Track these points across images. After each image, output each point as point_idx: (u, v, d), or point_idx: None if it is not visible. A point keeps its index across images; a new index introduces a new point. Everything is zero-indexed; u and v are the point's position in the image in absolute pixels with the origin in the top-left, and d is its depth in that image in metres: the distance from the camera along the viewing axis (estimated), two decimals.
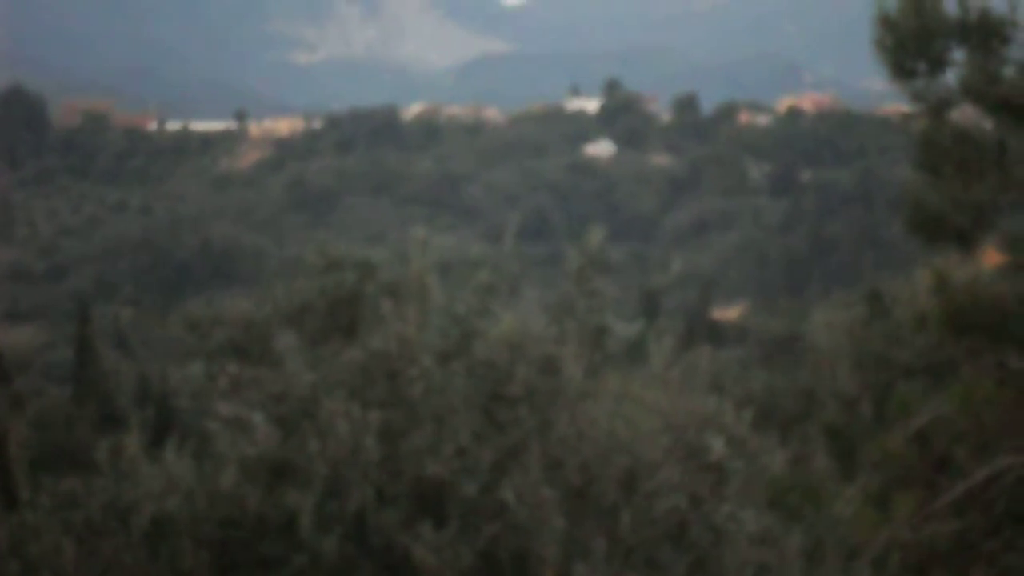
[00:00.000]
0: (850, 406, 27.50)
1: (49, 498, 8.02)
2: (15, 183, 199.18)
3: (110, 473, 8.12)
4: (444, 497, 8.02)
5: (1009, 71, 13.04)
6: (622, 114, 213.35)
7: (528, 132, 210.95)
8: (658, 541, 8.30)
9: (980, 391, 14.03)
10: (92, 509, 8.02)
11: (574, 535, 8.10)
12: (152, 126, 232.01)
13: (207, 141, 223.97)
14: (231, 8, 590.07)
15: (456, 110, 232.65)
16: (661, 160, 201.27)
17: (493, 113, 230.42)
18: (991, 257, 14.55)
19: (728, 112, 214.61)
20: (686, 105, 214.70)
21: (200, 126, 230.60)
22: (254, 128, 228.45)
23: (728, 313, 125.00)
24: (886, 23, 13.00)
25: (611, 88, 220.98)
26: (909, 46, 12.94)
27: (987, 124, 13.36)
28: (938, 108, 13.16)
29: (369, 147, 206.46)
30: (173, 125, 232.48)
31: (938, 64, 13.06)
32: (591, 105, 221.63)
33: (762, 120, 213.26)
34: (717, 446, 8.66)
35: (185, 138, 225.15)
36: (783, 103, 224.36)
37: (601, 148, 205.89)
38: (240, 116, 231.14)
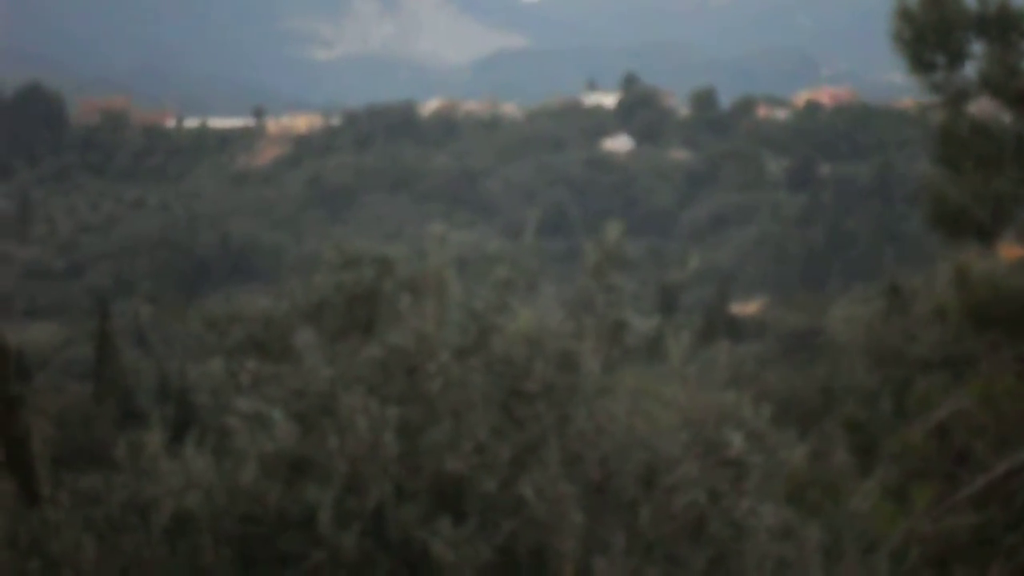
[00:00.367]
0: (869, 400, 27.47)
1: (70, 495, 8.04)
2: (34, 181, 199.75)
3: (130, 470, 8.14)
4: (463, 493, 8.03)
5: None
6: (640, 109, 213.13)
7: (546, 127, 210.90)
8: (677, 536, 8.30)
9: (1000, 385, 14.00)
10: (112, 506, 8.04)
11: (593, 530, 8.10)
12: (170, 124, 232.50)
13: (225, 138, 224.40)
14: (247, 5, 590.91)
15: (473, 105, 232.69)
16: (679, 155, 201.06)
17: (510, 108, 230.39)
18: (1011, 251, 14.52)
19: (746, 106, 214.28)
20: (704, 99, 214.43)
21: (218, 123, 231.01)
22: (272, 125, 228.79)
23: (746, 308, 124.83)
24: (904, 16, 12.98)
25: (628, 82, 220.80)
26: (928, 39, 12.91)
27: (1006, 117, 13.33)
28: (957, 101, 13.12)
29: (387, 143, 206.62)
30: (191, 123, 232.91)
31: (957, 57, 13.02)
32: (608, 100, 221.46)
33: (780, 114, 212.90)
34: (736, 441, 8.65)
35: (203, 135, 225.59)
36: (801, 97, 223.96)
37: (619, 143, 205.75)
38: (258, 113, 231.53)
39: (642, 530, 8.23)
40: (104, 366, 76.11)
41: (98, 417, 57.16)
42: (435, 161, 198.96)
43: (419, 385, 8.26)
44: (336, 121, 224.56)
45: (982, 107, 13.32)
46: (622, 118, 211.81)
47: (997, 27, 12.93)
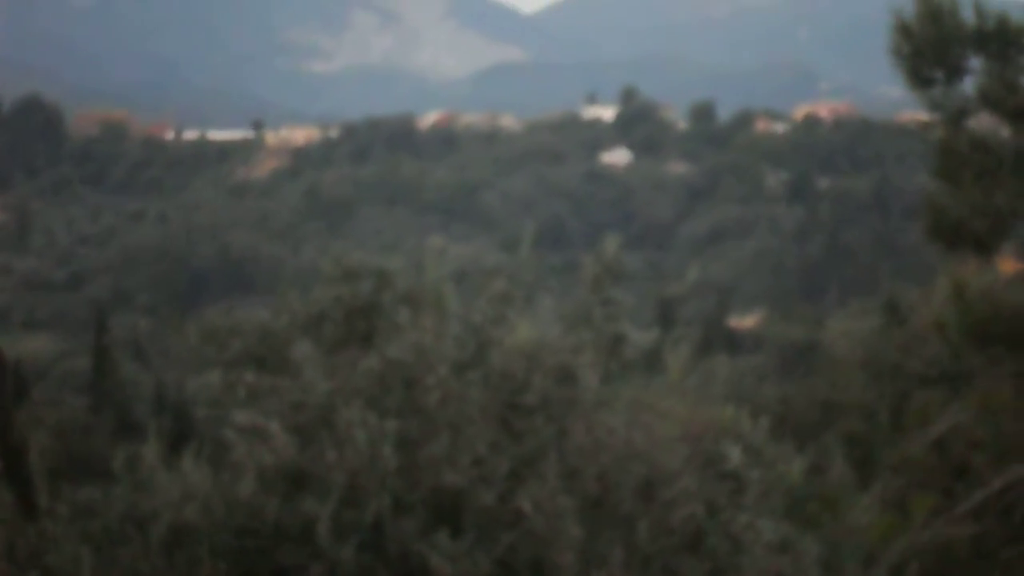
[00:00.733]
0: (867, 414, 27.45)
1: (67, 507, 8.04)
2: (32, 192, 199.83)
3: (128, 482, 8.14)
4: (461, 506, 8.03)
5: None
6: (638, 122, 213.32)
7: (544, 140, 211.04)
8: (676, 550, 8.30)
9: (998, 400, 14.00)
10: (110, 518, 8.04)
11: (591, 544, 8.09)
12: (169, 136, 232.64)
13: (224, 150, 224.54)
14: (246, 19, 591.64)
15: (472, 118, 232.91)
16: (678, 168, 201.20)
17: (509, 121, 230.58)
18: (1009, 265, 14.53)
19: (744, 120, 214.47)
20: (703, 113, 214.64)
21: (217, 135, 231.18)
22: (271, 137, 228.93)
23: (745, 321, 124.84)
24: (903, 31, 13.00)
25: (627, 96, 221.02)
26: (926, 54, 12.93)
27: (1004, 132, 13.35)
28: (956, 116, 13.15)
29: (386, 155, 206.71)
30: (190, 135, 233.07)
31: (955, 72, 13.05)
32: (607, 113, 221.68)
33: (779, 128, 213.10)
34: (734, 455, 8.66)
35: (202, 147, 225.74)
36: (799, 111, 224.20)
37: (617, 156, 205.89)
38: (257, 125, 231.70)
39: (640, 544, 8.22)
40: (102, 378, 76.11)
41: (96, 429, 57.13)
42: (434, 174, 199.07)
43: (417, 398, 8.27)
44: (335, 133, 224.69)
45: (981, 122, 13.34)
46: (621, 131, 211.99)
47: (996, 43, 12.95)
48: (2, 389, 9.46)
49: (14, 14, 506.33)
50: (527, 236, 9.95)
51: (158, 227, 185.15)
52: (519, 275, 9.04)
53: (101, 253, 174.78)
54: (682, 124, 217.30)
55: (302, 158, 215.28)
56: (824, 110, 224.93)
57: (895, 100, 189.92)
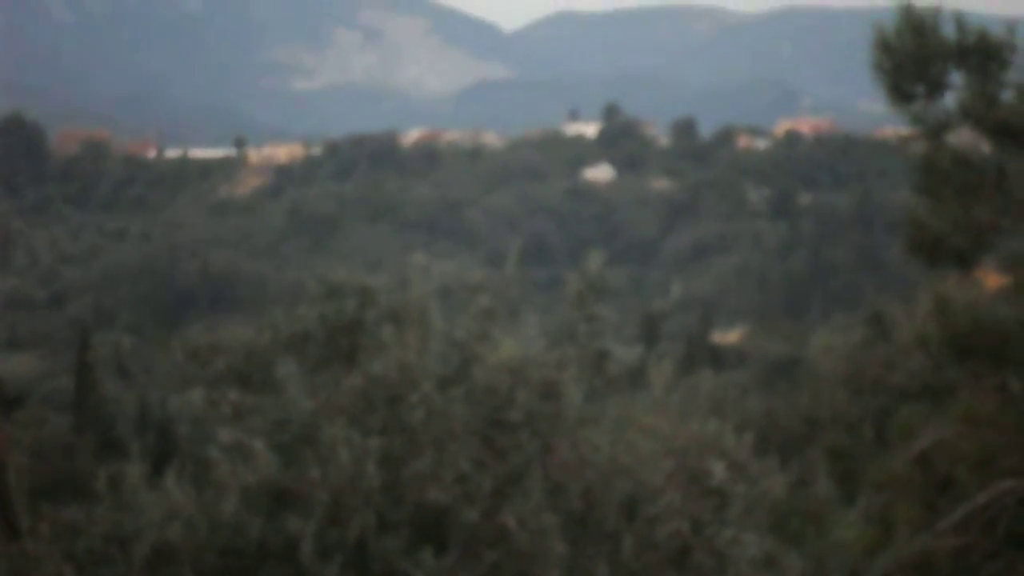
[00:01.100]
0: (851, 429, 27.49)
1: (49, 527, 8.00)
2: (14, 211, 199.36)
3: (110, 501, 8.11)
4: (445, 523, 8.01)
5: (1007, 94, 13.07)
6: (621, 138, 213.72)
7: (527, 157, 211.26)
8: (660, 566, 8.29)
9: (981, 413, 14.02)
10: (93, 538, 8.00)
11: (576, 561, 8.08)
12: (151, 154, 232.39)
13: (206, 168, 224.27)
14: (228, 36, 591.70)
15: (455, 135, 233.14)
16: (660, 184, 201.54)
17: (492, 138, 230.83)
18: (991, 279, 14.57)
19: (727, 136, 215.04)
20: (685, 129, 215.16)
21: (199, 153, 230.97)
22: (253, 155, 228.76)
23: (728, 337, 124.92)
24: (884, 47, 13.04)
25: (610, 113, 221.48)
26: (907, 69, 12.97)
27: (985, 147, 13.39)
28: (936, 131, 13.18)
29: (369, 173, 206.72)
30: (172, 152, 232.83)
31: (936, 87, 13.09)
32: (590, 130, 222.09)
33: (761, 144, 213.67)
34: (718, 470, 8.66)
35: (184, 165, 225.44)
36: (781, 127, 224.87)
37: (600, 172, 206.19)
38: (239, 143, 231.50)
39: (625, 560, 8.21)
40: (85, 397, 75.81)
41: (78, 448, 56.88)
42: (417, 191, 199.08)
43: (401, 415, 8.25)
44: (317, 151, 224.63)
45: (962, 137, 13.38)
46: (603, 148, 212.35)
47: (976, 57, 13.00)
48: None
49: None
50: (513, 253, 9.95)
51: (141, 245, 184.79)
52: (503, 292, 9.03)
53: (84, 272, 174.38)
54: (664, 141, 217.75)
55: (285, 175, 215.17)
56: (806, 126, 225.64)
57: (876, 116, 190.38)
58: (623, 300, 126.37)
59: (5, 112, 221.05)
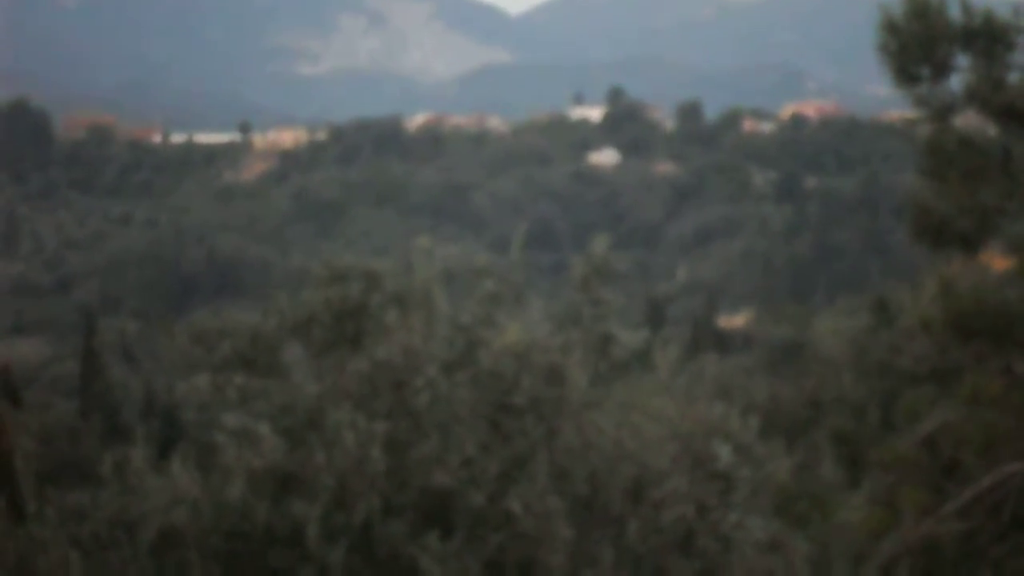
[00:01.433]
0: (856, 412, 27.47)
1: (56, 512, 8.01)
2: (20, 197, 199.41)
3: (116, 486, 8.12)
4: (450, 507, 8.01)
5: (1013, 77, 13.03)
6: (626, 122, 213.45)
7: (532, 141, 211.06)
8: (666, 550, 8.28)
9: (987, 395, 14.00)
10: (99, 522, 8.01)
11: (581, 544, 8.08)
12: (156, 139, 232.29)
13: (211, 153, 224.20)
14: (234, 21, 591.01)
15: (460, 120, 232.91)
16: (665, 168, 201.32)
17: (497, 122, 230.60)
18: (997, 262, 14.54)
19: (732, 120, 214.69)
20: (690, 113, 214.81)
21: (204, 138, 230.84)
22: (258, 140, 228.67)
23: (733, 321, 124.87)
24: (890, 28, 12.99)
25: (615, 97, 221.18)
26: (913, 51, 12.93)
27: (991, 130, 13.35)
28: (942, 114, 13.14)
29: (374, 158, 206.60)
30: (178, 138, 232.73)
31: (942, 70, 13.04)
32: (595, 114, 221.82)
33: (766, 127, 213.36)
34: (724, 454, 8.66)
35: (189, 151, 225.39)
36: (787, 110, 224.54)
37: (605, 156, 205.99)
38: (244, 128, 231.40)
39: (630, 544, 8.21)
40: (90, 382, 75.91)
41: (84, 434, 56.97)
42: (422, 175, 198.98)
43: (406, 400, 8.25)
44: (322, 136, 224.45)
45: (967, 119, 13.34)
46: (608, 132, 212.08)
47: (982, 40, 12.96)
48: None
49: (2, 18, 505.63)
50: (518, 237, 9.94)
51: (146, 231, 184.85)
52: (508, 276, 9.02)
53: (89, 257, 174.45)
54: (669, 125, 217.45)
55: (290, 161, 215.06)
56: (811, 109, 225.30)
57: (881, 99, 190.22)
58: (628, 284, 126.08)
59: (10, 98, 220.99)
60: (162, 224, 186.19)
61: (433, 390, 8.27)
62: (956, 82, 13.10)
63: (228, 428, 8.12)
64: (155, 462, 8.19)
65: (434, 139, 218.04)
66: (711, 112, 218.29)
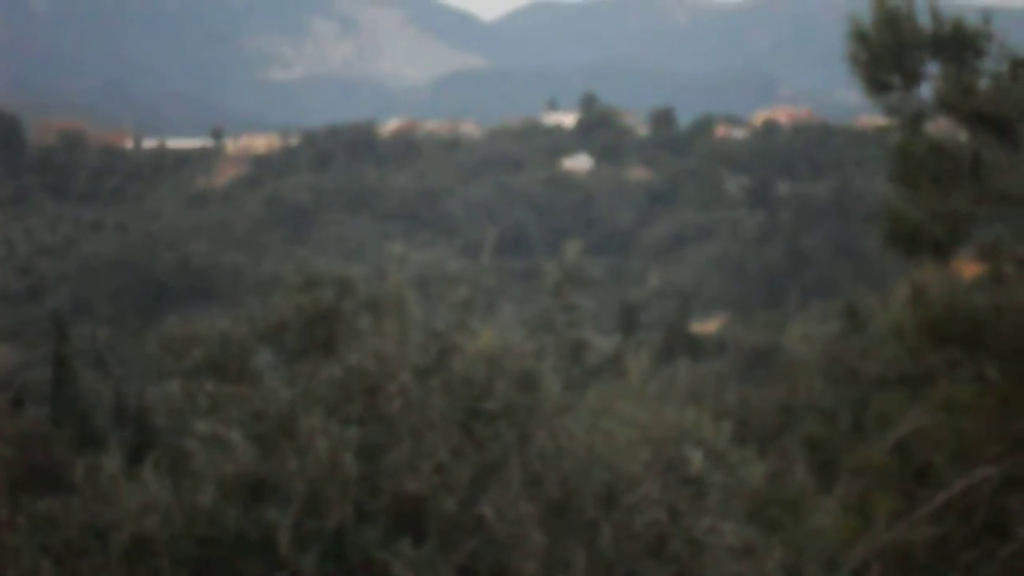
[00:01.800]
0: (828, 418, 27.57)
1: (27, 519, 7.98)
2: None
3: (88, 493, 8.09)
4: (423, 513, 8.01)
5: (983, 83, 13.10)
6: (599, 128, 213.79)
7: (505, 147, 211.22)
8: (638, 555, 8.30)
9: (958, 401, 14.07)
10: (70, 529, 7.98)
11: (554, 550, 8.09)
12: (128, 144, 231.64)
13: (183, 159, 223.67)
14: (206, 25, 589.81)
15: (433, 125, 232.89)
16: (638, 174, 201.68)
17: (470, 128, 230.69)
18: (967, 268, 14.61)
19: (704, 126, 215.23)
20: (663, 119, 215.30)
21: (176, 144, 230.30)
22: (230, 145, 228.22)
23: (706, 326, 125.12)
24: (860, 37, 13.05)
25: (588, 102, 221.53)
26: (883, 60, 12.99)
27: (962, 136, 13.42)
28: (913, 121, 13.21)
29: (346, 163, 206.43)
30: (149, 143, 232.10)
31: (913, 77, 13.11)
32: (568, 120, 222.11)
33: (738, 134, 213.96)
34: (696, 459, 8.68)
35: (161, 156, 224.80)
36: (759, 116, 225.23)
37: (578, 162, 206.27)
38: (216, 133, 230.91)
39: (603, 549, 8.23)
40: (62, 389, 75.60)
41: (56, 440, 56.70)
42: (395, 181, 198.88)
43: (379, 405, 8.25)
44: (295, 141, 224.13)
45: (938, 126, 13.41)
46: (581, 137, 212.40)
47: (952, 47, 13.02)
48: None
49: None
50: (488, 243, 9.93)
51: (118, 236, 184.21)
52: (481, 281, 9.03)
53: (61, 263, 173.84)
54: (642, 130, 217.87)
55: (262, 166, 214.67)
56: (783, 115, 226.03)
57: (853, 105, 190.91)
58: (601, 290, 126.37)
59: None
60: (134, 230, 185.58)
61: (406, 396, 8.27)
62: (926, 89, 13.17)
63: (199, 434, 8.09)
64: (127, 468, 8.16)
65: (407, 145, 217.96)
66: (684, 118, 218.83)
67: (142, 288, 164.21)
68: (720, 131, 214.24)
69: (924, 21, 13.03)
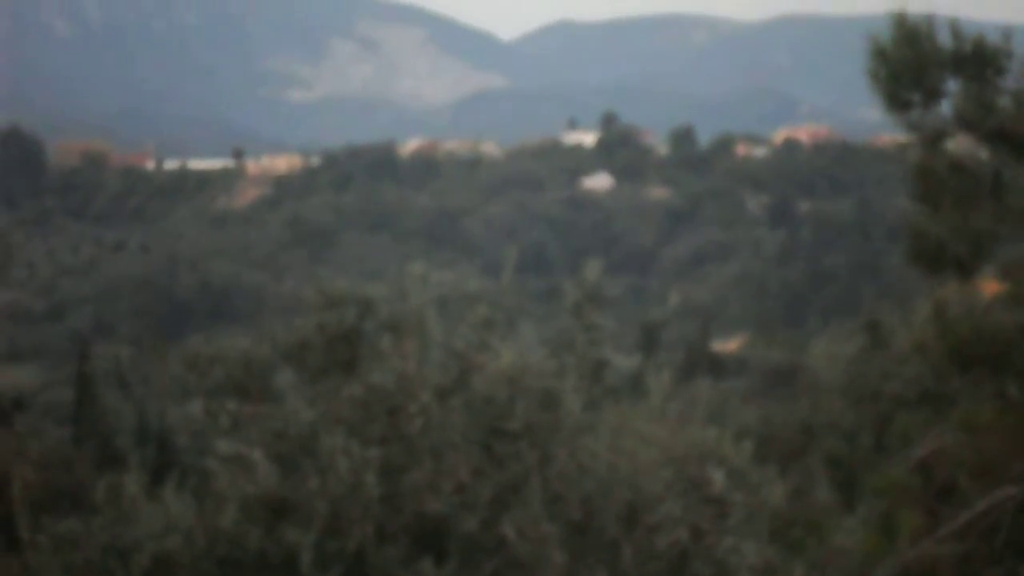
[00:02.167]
0: (850, 437, 27.50)
1: (49, 539, 8.00)
2: (13, 224, 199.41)
3: (110, 513, 8.11)
4: (444, 533, 8.01)
5: (1004, 101, 13.08)
6: (619, 147, 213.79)
7: (526, 166, 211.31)
8: (660, 575, 8.28)
9: (981, 421, 14.02)
10: (92, 550, 8.00)
11: (575, 570, 8.08)
12: (149, 165, 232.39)
13: (205, 180, 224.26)
14: (225, 48, 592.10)
15: (454, 145, 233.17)
16: (659, 193, 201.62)
17: (491, 148, 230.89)
18: (990, 286, 14.57)
19: (725, 144, 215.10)
20: (683, 138, 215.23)
21: (198, 165, 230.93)
22: (252, 166, 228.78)
23: (727, 345, 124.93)
24: (880, 55, 13.05)
25: (608, 122, 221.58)
26: (903, 77, 12.98)
27: (982, 154, 13.39)
28: (933, 139, 13.19)
29: (367, 183, 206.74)
30: (171, 164, 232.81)
31: (933, 95, 13.09)
32: (588, 139, 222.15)
33: (759, 152, 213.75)
34: (718, 479, 8.66)
35: (183, 177, 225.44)
36: (779, 135, 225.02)
37: (599, 181, 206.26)
38: (237, 154, 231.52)
39: (625, 569, 8.21)
40: (84, 409, 75.79)
41: (78, 460, 56.80)
42: (415, 201, 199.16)
43: (400, 425, 8.25)
44: (316, 162, 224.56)
45: (959, 144, 13.38)
46: (602, 157, 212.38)
47: (972, 64, 13.01)
48: None
49: None
50: (508, 262, 9.95)
51: (139, 257, 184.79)
52: (501, 301, 9.04)
53: (83, 284, 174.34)
54: (663, 149, 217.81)
55: (283, 187, 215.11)
56: (804, 134, 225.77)
57: (874, 123, 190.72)
58: (622, 309, 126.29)
59: (3, 125, 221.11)
60: (155, 250, 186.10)
61: (427, 415, 8.27)
62: (947, 107, 13.15)
63: (221, 454, 8.11)
64: (148, 488, 8.18)
65: (427, 165, 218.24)
66: (704, 137, 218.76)
67: (164, 308, 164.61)
68: (740, 150, 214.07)
69: (945, 38, 13.02)
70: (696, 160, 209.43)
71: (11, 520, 8.39)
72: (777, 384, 68.74)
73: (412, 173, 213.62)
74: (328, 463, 7.99)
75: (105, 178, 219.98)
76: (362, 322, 8.86)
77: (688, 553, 8.41)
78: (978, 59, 12.97)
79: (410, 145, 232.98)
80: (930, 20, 13.03)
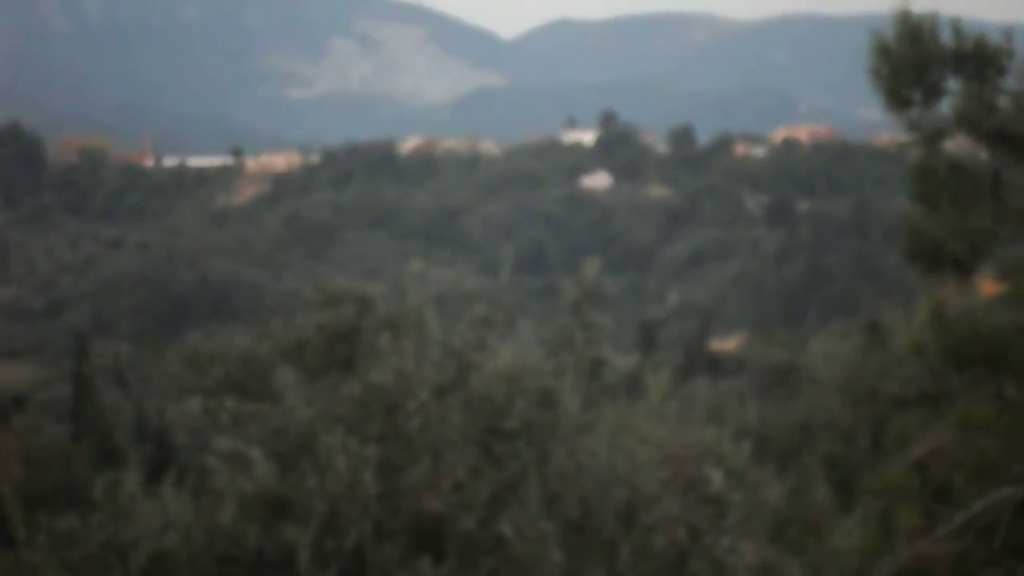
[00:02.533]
0: (847, 437, 27.50)
1: (46, 537, 7.99)
2: (11, 221, 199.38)
3: (108, 510, 8.10)
4: (442, 531, 8.01)
5: (1004, 101, 13.08)
6: (618, 146, 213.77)
7: (525, 165, 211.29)
8: (658, 574, 8.28)
9: (979, 420, 14.02)
10: (90, 547, 7.99)
11: (573, 569, 8.08)
12: (148, 162, 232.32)
13: (204, 177, 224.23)
14: (225, 45, 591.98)
15: (453, 143, 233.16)
16: (658, 191, 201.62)
17: (490, 146, 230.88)
18: (988, 286, 14.58)
19: (724, 144, 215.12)
20: (682, 137, 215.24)
21: (197, 162, 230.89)
22: (251, 163, 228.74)
23: (726, 344, 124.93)
24: (882, 52, 13.04)
25: (607, 120, 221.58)
26: (904, 75, 12.98)
27: (982, 154, 13.39)
28: (933, 138, 13.19)
29: (366, 181, 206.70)
30: (169, 161, 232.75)
31: (933, 94, 13.09)
32: (587, 137, 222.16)
33: (758, 151, 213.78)
34: (716, 478, 8.66)
35: (182, 174, 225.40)
36: (779, 134, 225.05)
37: (598, 180, 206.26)
38: (236, 152, 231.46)
39: (622, 568, 8.21)
40: (82, 406, 75.78)
41: (76, 457, 56.79)
42: (414, 199, 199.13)
43: (398, 424, 8.25)
44: (315, 159, 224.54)
45: (958, 144, 13.38)
46: (600, 155, 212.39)
47: (973, 64, 13.01)
48: None
49: None
50: (507, 261, 9.95)
51: (138, 254, 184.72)
52: (500, 299, 9.03)
53: (81, 280, 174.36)
54: (662, 148, 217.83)
55: (282, 184, 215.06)
56: (803, 133, 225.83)
57: (873, 123, 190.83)
58: (620, 308, 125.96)
59: (2, 121, 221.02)
60: (154, 247, 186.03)
61: (425, 414, 8.27)
62: (947, 106, 13.15)
63: (220, 452, 8.11)
64: (147, 486, 8.17)
65: (426, 163, 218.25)
66: (703, 136, 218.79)
67: (163, 305, 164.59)
68: (739, 149, 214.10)
69: (946, 37, 13.01)
70: (695, 159, 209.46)
71: (8, 518, 8.39)
72: (775, 383, 68.78)
73: (411, 171, 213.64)
74: (326, 461, 7.99)
75: (104, 175, 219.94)
76: (361, 320, 8.86)
77: (686, 552, 8.41)
78: (979, 58, 12.97)
79: (409, 143, 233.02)
80: (933, 19, 13.03)
